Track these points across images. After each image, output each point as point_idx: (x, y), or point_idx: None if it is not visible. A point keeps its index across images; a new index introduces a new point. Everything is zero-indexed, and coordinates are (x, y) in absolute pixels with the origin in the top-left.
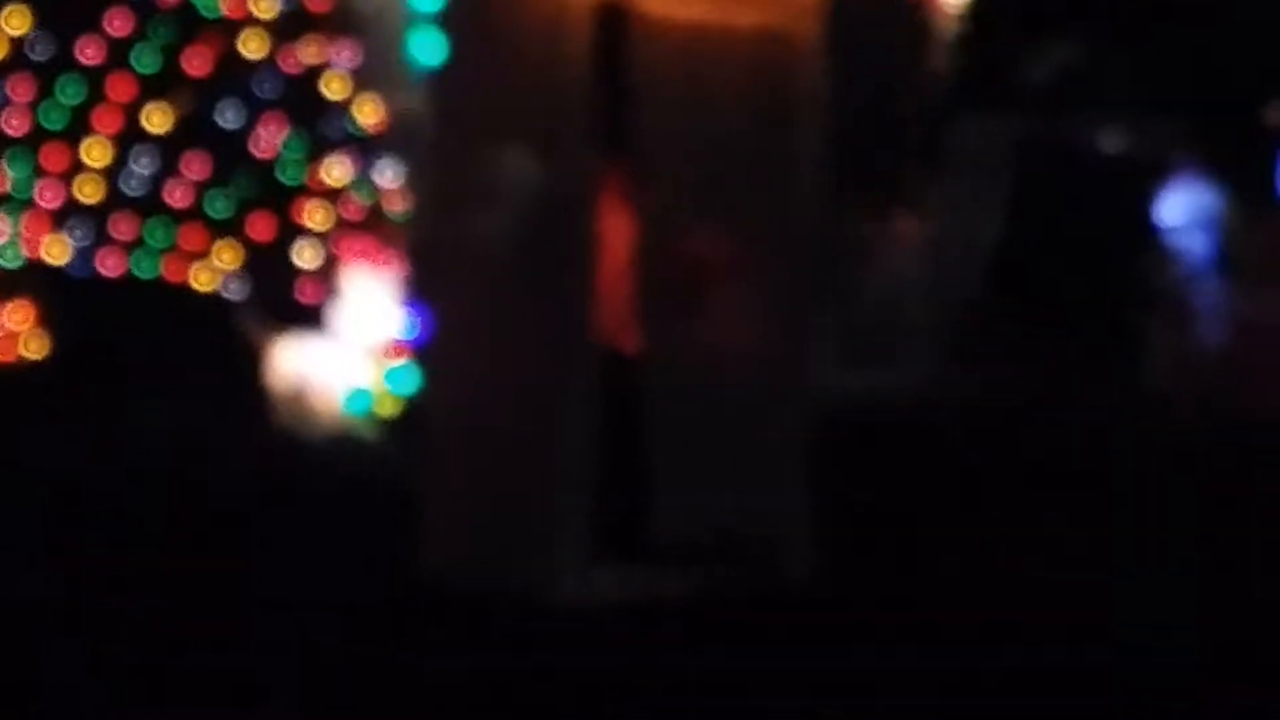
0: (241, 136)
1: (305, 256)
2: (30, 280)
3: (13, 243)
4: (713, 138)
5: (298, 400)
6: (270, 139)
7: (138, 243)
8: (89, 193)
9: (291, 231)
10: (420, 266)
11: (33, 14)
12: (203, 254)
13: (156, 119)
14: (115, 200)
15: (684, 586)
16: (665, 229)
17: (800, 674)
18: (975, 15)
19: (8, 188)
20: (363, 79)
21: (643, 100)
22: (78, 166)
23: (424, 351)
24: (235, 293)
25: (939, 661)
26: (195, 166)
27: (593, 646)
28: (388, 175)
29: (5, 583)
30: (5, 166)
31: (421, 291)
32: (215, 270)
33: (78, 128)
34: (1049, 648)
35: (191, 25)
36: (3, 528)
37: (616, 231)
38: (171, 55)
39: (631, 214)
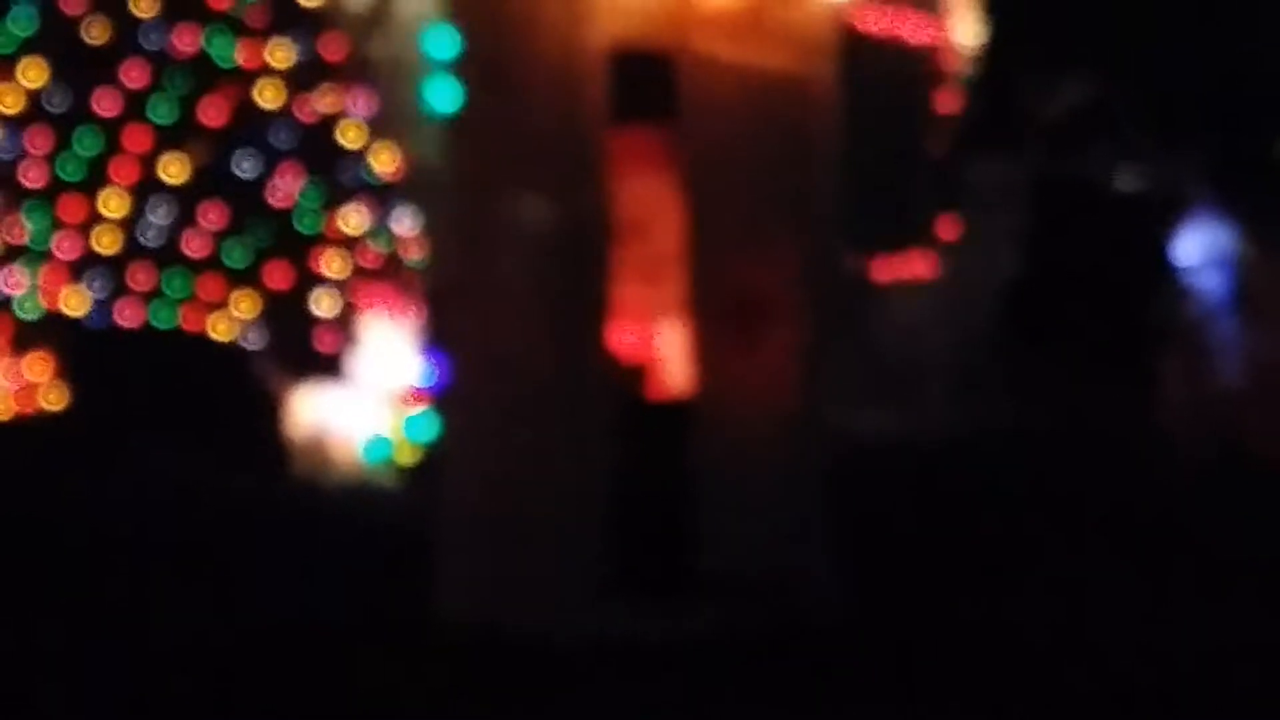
0: (258, 186)
1: (323, 305)
2: (49, 332)
3: (31, 294)
4: (736, 177)
5: (317, 449)
6: (287, 188)
7: (156, 293)
8: (107, 244)
9: (309, 280)
10: (438, 313)
11: (49, 67)
12: (221, 304)
13: (173, 170)
14: (133, 251)
15: (704, 624)
16: (718, 266)
17: (821, 712)
18: (990, 55)
19: (26, 240)
20: (378, 127)
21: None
22: (95, 218)
23: (442, 398)
24: (253, 342)
25: (961, 698)
26: (212, 216)
27: (612, 686)
28: (404, 223)
29: (22, 630)
30: (23, 218)
31: (439, 338)
32: (233, 320)
33: (95, 179)
34: (1067, 683)
35: (207, 76)
36: (22, 577)
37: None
38: (188, 106)
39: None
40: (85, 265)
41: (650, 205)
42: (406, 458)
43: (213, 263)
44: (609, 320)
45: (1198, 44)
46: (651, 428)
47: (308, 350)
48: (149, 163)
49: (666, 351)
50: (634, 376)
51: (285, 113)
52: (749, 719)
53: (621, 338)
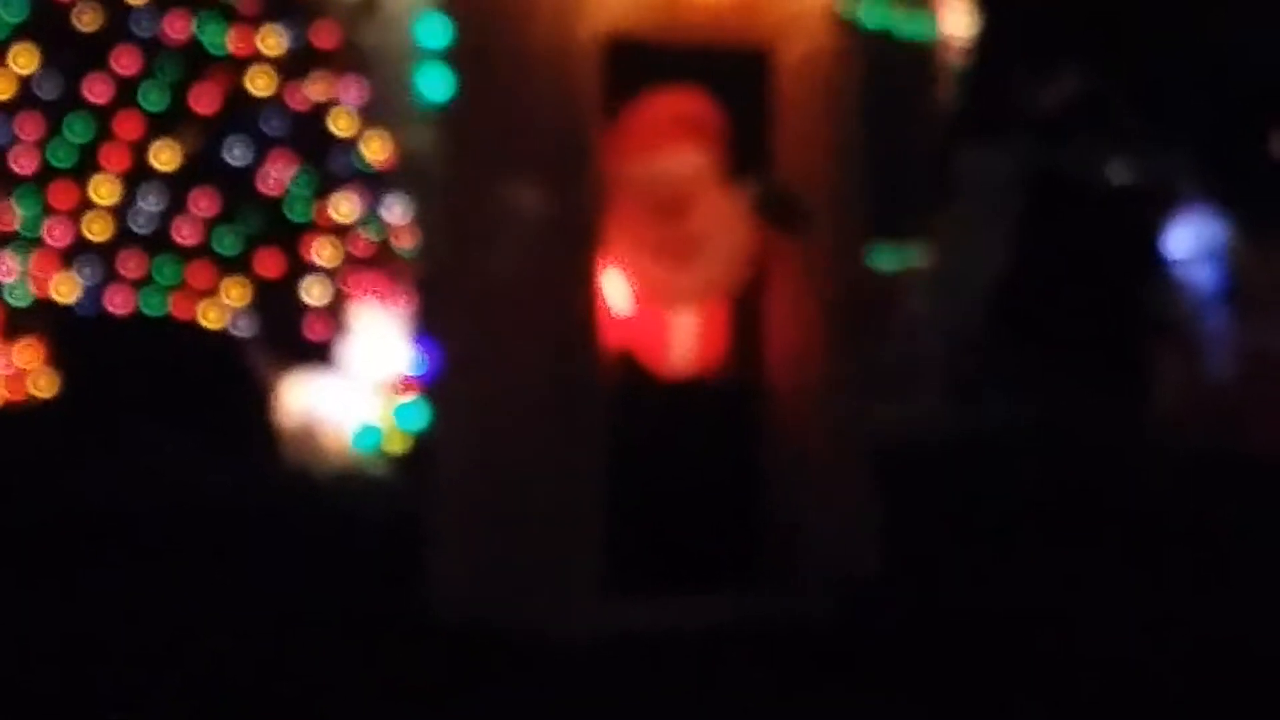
0: (249, 173)
1: (314, 293)
2: (39, 318)
3: (21, 281)
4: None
5: (307, 437)
6: (278, 176)
7: (146, 280)
8: (97, 231)
9: (300, 268)
10: (429, 302)
11: (40, 53)
12: (211, 291)
13: (164, 157)
14: (123, 238)
15: (704, 619)
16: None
17: (822, 706)
18: (981, 48)
19: (16, 226)
20: (370, 115)
21: None
22: (86, 204)
23: (433, 387)
24: (244, 330)
25: (956, 694)
26: (203, 204)
27: (606, 681)
28: (396, 211)
29: (15, 616)
30: (14, 205)
31: (430, 327)
32: (224, 307)
33: (86, 166)
34: (1063, 678)
35: (199, 63)
36: (13, 563)
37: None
38: (179, 93)
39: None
40: (76, 252)
41: (687, 182)
42: (397, 446)
43: (203, 250)
44: (608, 307)
45: (1190, 37)
46: (658, 417)
47: (298, 338)
48: (140, 150)
49: (681, 337)
50: (640, 364)
51: (277, 100)
52: (750, 715)
53: (632, 323)
